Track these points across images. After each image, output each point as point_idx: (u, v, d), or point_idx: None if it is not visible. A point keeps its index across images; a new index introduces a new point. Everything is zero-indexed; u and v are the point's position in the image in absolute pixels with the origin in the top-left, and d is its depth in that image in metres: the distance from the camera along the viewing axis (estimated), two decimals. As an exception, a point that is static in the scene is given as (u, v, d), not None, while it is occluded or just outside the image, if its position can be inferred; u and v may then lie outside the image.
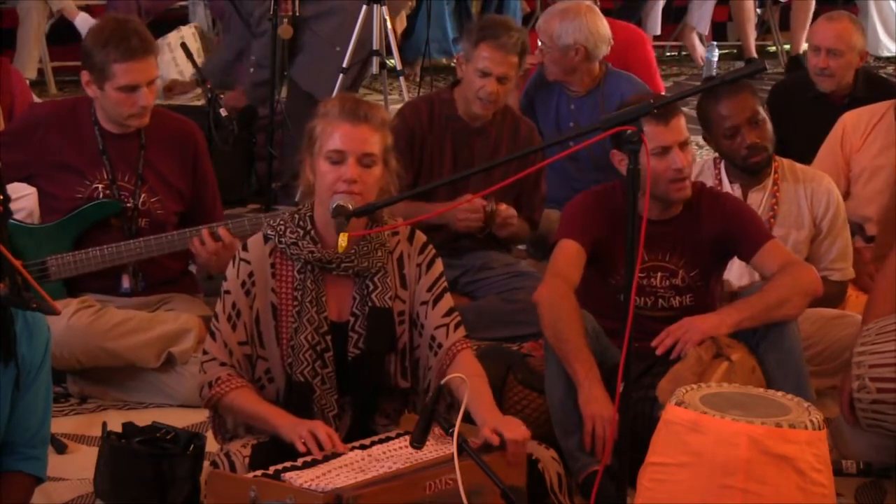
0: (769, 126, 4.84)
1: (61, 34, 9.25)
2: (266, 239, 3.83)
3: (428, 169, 5.53)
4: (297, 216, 3.83)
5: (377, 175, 3.75)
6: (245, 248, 3.83)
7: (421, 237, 3.92)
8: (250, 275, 3.80)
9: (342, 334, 3.81)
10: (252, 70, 7.32)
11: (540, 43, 6.20)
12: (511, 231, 5.52)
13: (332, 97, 3.86)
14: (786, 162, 4.99)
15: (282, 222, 3.82)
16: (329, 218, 3.74)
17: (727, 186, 4.90)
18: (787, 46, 11.12)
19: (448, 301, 3.88)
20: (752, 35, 10.92)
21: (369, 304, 3.81)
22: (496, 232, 5.48)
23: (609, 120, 3.54)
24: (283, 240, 3.80)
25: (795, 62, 10.60)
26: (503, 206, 5.40)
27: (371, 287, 3.82)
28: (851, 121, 5.63)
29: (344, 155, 3.71)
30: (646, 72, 6.85)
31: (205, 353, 3.83)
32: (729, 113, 4.77)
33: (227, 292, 3.81)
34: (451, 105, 5.57)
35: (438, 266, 3.90)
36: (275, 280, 3.81)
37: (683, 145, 4.28)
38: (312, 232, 3.79)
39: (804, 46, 10.93)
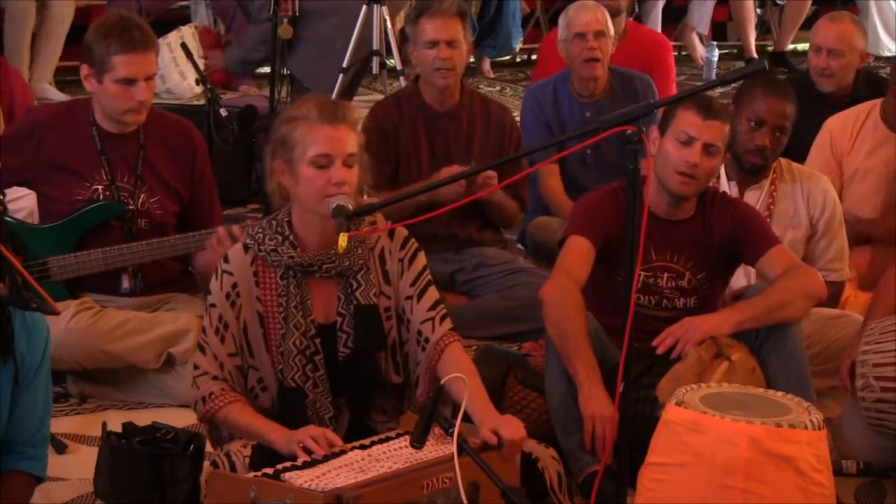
0: (783, 144, 4.84)
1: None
2: (246, 248, 3.82)
3: (406, 159, 5.55)
4: (274, 223, 3.81)
5: (357, 174, 3.76)
6: (226, 260, 3.82)
7: (402, 232, 3.90)
8: (234, 286, 3.79)
9: (331, 336, 3.81)
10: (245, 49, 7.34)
11: (610, 43, 6.12)
12: (497, 200, 5.50)
13: (304, 100, 3.82)
14: (784, 161, 5.00)
15: (260, 230, 3.81)
16: (309, 221, 3.76)
17: (724, 183, 4.90)
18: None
19: (433, 294, 3.87)
20: (752, 35, 10.93)
21: (354, 302, 3.80)
22: (475, 190, 5.28)
23: (609, 120, 3.55)
24: (262, 248, 3.79)
25: (779, 59, 10.61)
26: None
27: (355, 285, 3.81)
28: (837, 125, 5.62)
29: (331, 158, 3.70)
30: (664, 78, 6.85)
31: (196, 367, 3.81)
32: (766, 107, 4.76)
33: (213, 305, 3.80)
34: (417, 95, 5.60)
35: (421, 259, 3.89)
36: (259, 288, 3.80)
37: (709, 148, 4.28)
38: (291, 237, 3.78)
39: (791, 46, 10.98)
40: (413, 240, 3.91)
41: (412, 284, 3.86)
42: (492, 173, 5.31)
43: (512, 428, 3.64)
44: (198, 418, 3.85)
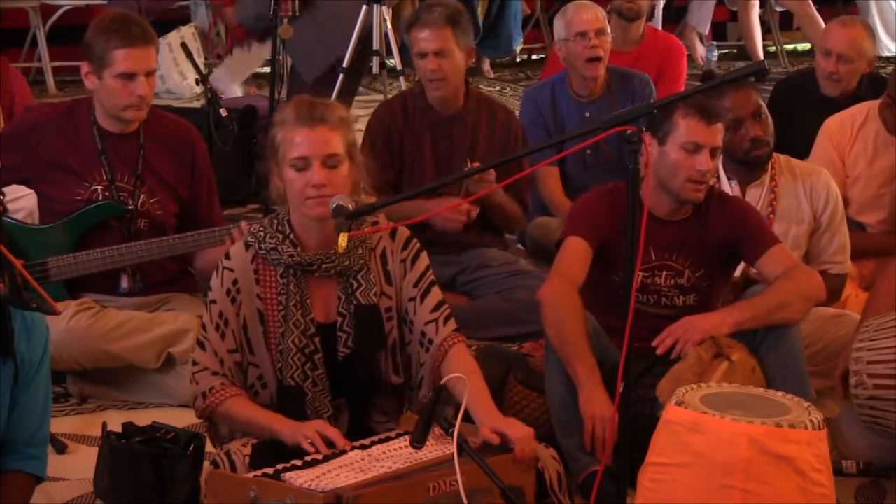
0: (770, 121, 4.86)
1: (61, 34, 9.24)
2: (247, 246, 3.82)
3: (410, 162, 5.53)
4: (275, 221, 3.82)
5: (344, 173, 3.74)
6: (227, 257, 3.83)
7: (404, 232, 3.90)
8: (234, 282, 3.79)
9: (331, 335, 3.81)
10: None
11: (607, 40, 6.14)
12: (497, 200, 5.46)
13: (288, 103, 3.82)
14: (783, 158, 5.00)
15: (261, 228, 3.82)
16: (306, 221, 3.76)
17: (725, 183, 4.90)
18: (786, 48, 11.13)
19: (436, 295, 3.87)
20: (758, 39, 10.94)
21: (354, 302, 3.80)
22: (472, 188, 5.30)
23: (609, 120, 3.55)
24: (263, 246, 3.79)
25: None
26: (476, 164, 5.18)
27: (355, 285, 3.81)
28: (836, 126, 5.59)
29: (307, 160, 3.70)
30: (674, 81, 6.87)
31: (195, 363, 3.81)
32: (732, 105, 4.77)
33: (213, 302, 3.80)
34: (422, 97, 5.57)
35: (424, 260, 3.89)
36: (259, 286, 3.80)
37: (715, 151, 4.29)
38: (291, 236, 3.78)
39: (790, 46, 10.97)
40: (415, 240, 3.91)
41: (415, 285, 3.86)
42: (490, 172, 5.29)
43: (517, 427, 3.65)
44: (196, 414, 3.84)
